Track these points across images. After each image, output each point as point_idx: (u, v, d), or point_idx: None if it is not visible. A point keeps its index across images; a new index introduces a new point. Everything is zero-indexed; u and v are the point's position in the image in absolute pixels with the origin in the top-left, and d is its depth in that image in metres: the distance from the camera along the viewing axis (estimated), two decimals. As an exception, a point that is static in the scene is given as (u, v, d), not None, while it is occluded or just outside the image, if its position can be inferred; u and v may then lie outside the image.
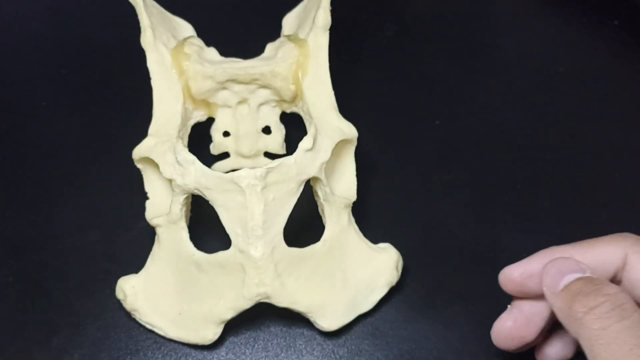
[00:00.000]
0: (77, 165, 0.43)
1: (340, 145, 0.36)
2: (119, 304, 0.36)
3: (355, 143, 0.36)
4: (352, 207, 0.36)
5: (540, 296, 0.29)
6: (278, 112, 0.41)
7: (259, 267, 0.32)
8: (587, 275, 0.27)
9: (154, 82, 0.37)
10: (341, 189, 0.36)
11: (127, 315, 0.36)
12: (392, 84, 0.47)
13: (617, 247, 0.29)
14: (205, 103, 0.39)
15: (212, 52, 0.40)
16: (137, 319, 0.36)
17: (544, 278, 0.28)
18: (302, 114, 0.38)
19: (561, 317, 0.28)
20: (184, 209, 0.35)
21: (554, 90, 0.46)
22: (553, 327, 0.32)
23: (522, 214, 0.40)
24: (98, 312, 0.37)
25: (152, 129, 0.36)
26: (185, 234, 0.34)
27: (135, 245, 0.38)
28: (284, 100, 0.39)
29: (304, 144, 0.34)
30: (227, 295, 0.33)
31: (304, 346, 0.36)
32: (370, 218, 0.39)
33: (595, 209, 0.40)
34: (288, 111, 0.40)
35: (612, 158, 0.43)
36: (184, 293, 0.34)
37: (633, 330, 0.25)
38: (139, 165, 0.36)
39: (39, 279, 0.38)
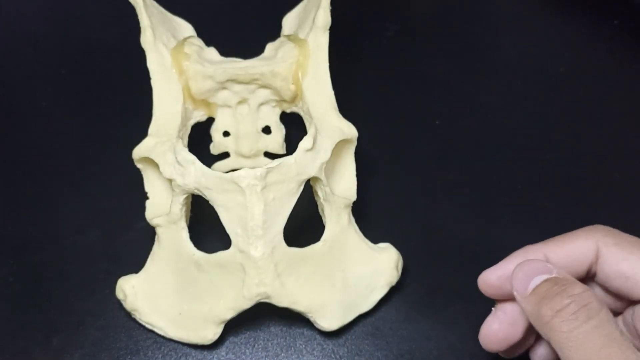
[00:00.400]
0: (77, 165, 0.43)
1: (340, 145, 0.36)
2: (119, 304, 0.36)
3: (355, 143, 0.36)
4: (352, 207, 0.36)
5: None
6: (278, 112, 0.41)
7: (259, 267, 0.32)
8: (553, 275, 0.27)
9: (154, 82, 0.37)
10: (341, 189, 0.36)
11: (127, 315, 0.36)
12: (392, 84, 0.47)
13: (588, 241, 0.29)
14: (205, 103, 0.39)
15: (212, 52, 0.40)
16: (137, 319, 0.36)
17: (513, 282, 0.28)
18: (302, 114, 0.38)
19: (532, 321, 0.28)
20: (184, 209, 0.35)
21: (554, 90, 0.46)
22: None
23: (522, 214, 0.40)
24: (98, 312, 0.37)
25: (152, 129, 0.36)
26: (185, 234, 0.34)
27: (135, 245, 0.38)
28: (284, 100, 0.39)
29: (304, 144, 0.34)
30: (227, 295, 0.33)
31: (304, 346, 0.36)
32: (370, 218, 0.39)
33: (595, 209, 0.40)
34: (288, 111, 0.40)
35: (612, 158, 0.43)
36: (184, 293, 0.34)
37: (600, 329, 0.25)
38: (139, 165, 0.36)
39: (39, 279, 0.38)
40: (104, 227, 0.40)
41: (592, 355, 0.25)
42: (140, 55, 0.37)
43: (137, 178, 0.36)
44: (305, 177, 0.34)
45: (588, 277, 0.30)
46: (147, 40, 0.37)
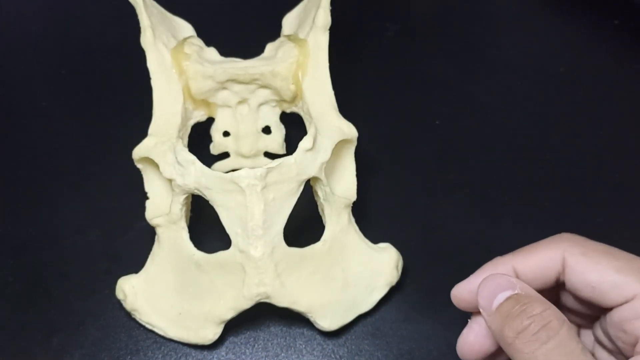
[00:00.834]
0: (77, 165, 0.43)
1: (340, 145, 0.36)
2: (119, 304, 0.36)
3: (355, 143, 0.36)
4: (352, 207, 0.36)
5: None
6: (278, 112, 0.41)
7: (259, 267, 0.32)
8: (516, 292, 0.27)
9: (154, 82, 0.37)
10: (341, 189, 0.36)
11: (127, 315, 0.36)
12: (392, 84, 0.47)
13: (555, 251, 0.29)
14: (205, 103, 0.39)
15: (212, 52, 0.40)
16: (137, 319, 0.36)
17: (479, 299, 0.28)
18: (302, 114, 0.38)
19: (497, 340, 0.28)
20: (184, 209, 0.35)
21: (554, 90, 0.46)
22: None
23: (522, 214, 0.40)
24: (98, 312, 0.37)
25: (152, 129, 0.36)
26: (185, 234, 0.34)
27: (135, 245, 0.38)
28: (284, 100, 0.39)
29: (304, 144, 0.34)
30: (227, 295, 0.33)
31: (304, 346, 0.36)
32: (370, 218, 0.39)
33: (595, 209, 0.40)
34: (288, 111, 0.40)
35: (612, 158, 0.43)
36: (184, 293, 0.34)
37: (560, 348, 0.25)
38: (139, 165, 0.36)
39: (39, 279, 0.38)
40: (104, 227, 0.40)
41: None
42: (140, 55, 0.37)
43: (137, 178, 0.36)
44: (305, 177, 0.34)
45: (559, 286, 0.30)
46: (147, 40, 0.37)
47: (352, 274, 0.35)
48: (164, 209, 0.35)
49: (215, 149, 0.41)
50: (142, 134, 0.35)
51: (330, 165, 0.36)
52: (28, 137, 0.44)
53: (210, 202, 0.33)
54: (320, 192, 0.35)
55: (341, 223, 0.35)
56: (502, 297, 0.27)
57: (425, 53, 0.49)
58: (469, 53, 0.49)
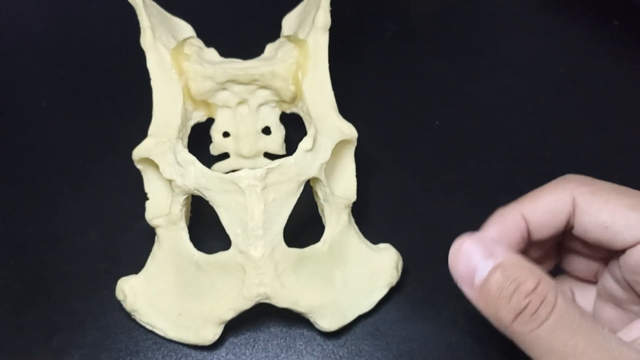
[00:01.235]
0: (77, 165, 0.43)
1: (340, 145, 0.36)
2: (119, 305, 0.36)
3: (355, 143, 0.36)
4: (352, 207, 0.36)
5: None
6: (278, 112, 0.41)
7: (259, 267, 0.32)
8: (499, 261, 0.25)
9: (154, 83, 0.37)
10: (341, 189, 0.36)
11: (127, 315, 0.36)
12: (392, 84, 0.47)
13: (563, 192, 0.27)
14: (205, 103, 0.39)
15: (212, 53, 0.40)
16: (137, 320, 0.36)
17: (455, 274, 0.26)
18: (302, 114, 0.38)
19: (490, 320, 0.26)
20: (184, 209, 0.35)
21: (554, 90, 0.46)
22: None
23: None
24: (98, 313, 0.37)
25: (152, 129, 0.36)
26: (185, 235, 0.34)
27: (135, 245, 0.38)
28: (283, 101, 0.39)
29: (304, 144, 0.34)
30: (227, 296, 0.33)
31: (304, 347, 0.36)
32: (370, 218, 0.39)
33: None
34: (288, 111, 0.40)
35: (612, 158, 0.43)
36: (184, 293, 0.34)
37: (561, 322, 0.24)
38: (138, 166, 0.36)
39: (39, 279, 0.38)
40: (104, 227, 0.40)
41: (559, 351, 0.24)
42: (140, 55, 0.37)
43: (137, 178, 0.36)
44: (305, 177, 0.34)
45: (566, 230, 0.29)
46: (146, 40, 0.37)
47: (352, 275, 0.35)
48: (163, 209, 0.35)
49: (215, 149, 0.41)
50: (142, 134, 0.35)
51: (330, 166, 0.36)
52: (28, 137, 0.44)
53: (210, 203, 0.33)
54: (320, 193, 0.35)
55: (341, 223, 0.35)
56: (484, 270, 0.25)
57: (425, 53, 0.49)
58: (469, 53, 0.49)
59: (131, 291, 0.35)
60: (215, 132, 0.41)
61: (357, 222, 0.36)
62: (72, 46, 0.50)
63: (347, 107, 0.37)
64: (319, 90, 0.37)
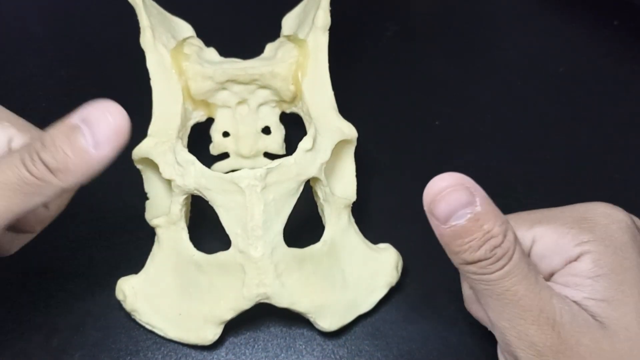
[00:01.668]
0: (77, 166, 0.43)
1: (340, 145, 0.36)
2: (119, 304, 0.36)
3: (355, 143, 0.36)
4: (352, 207, 0.36)
5: None
6: (278, 112, 0.41)
7: (259, 267, 0.32)
8: (477, 211, 0.26)
9: (154, 83, 0.37)
10: (341, 189, 0.36)
11: (127, 315, 0.36)
12: (392, 84, 0.47)
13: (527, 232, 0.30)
14: (205, 103, 0.39)
15: (212, 53, 0.40)
16: (137, 320, 0.36)
17: (432, 205, 0.27)
18: (301, 114, 0.38)
19: (446, 250, 0.28)
20: (184, 209, 0.35)
21: (554, 90, 0.46)
22: None
23: (522, 214, 0.40)
24: (98, 313, 0.37)
25: (151, 129, 0.36)
26: (185, 235, 0.34)
27: (135, 245, 0.38)
28: (283, 101, 0.39)
29: (304, 144, 0.34)
30: (227, 296, 0.33)
31: (304, 347, 0.36)
32: (370, 218, 0.39)
33: (595, 209, 0.40)
34: (288, 111, 0.40)
35: (612, 158, 0.43)
36: (184, 293, 0.34)
37: (511, 273, 0.27)
38: (138, 166, 0.36)
39: (39, 279, 0.38)
40: (104, 227, 0.40)
41: (499, 294, 0.27)
42: (140, 55, 0.37)
43: (137, 178, 0.36)
44: (305, 177, 0.34)
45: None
46: (146, 40, 0.37)
47: (352, 275, 0.35)
48: (163, 209, 0.35)
49: (215, 149, 0.41)
50: (142, 134, 0.35)
51: (330, 166, 0.36)
52: (28, 137, 0.44)
53: (210, 203, 0.33)
54: (320, 193, 0.35)
55: (341, 223, 0.35)
56: (462, 217, 0.26)
57: (425, 53, 0.49)
58: (469, 53, 0.49)
59: (131, 291, 0.35)
60: (215, 132, 0.41)
61: (357, 222, 0.36)
62: (72, 46, 0.50)
63: (347, 107, 0.37)
64: (318, 90, 0.37)
